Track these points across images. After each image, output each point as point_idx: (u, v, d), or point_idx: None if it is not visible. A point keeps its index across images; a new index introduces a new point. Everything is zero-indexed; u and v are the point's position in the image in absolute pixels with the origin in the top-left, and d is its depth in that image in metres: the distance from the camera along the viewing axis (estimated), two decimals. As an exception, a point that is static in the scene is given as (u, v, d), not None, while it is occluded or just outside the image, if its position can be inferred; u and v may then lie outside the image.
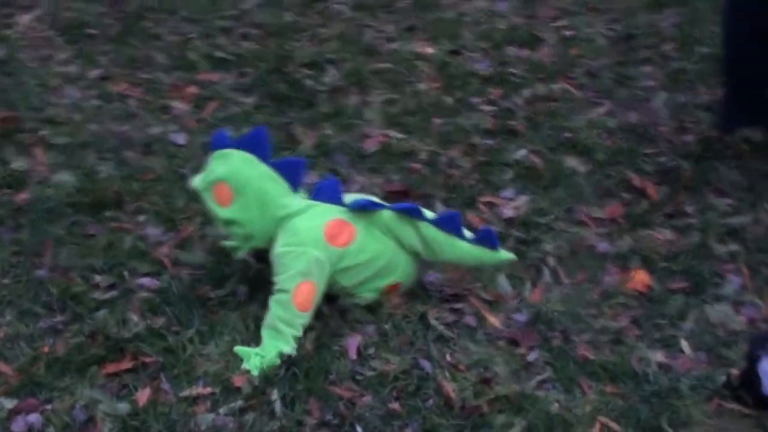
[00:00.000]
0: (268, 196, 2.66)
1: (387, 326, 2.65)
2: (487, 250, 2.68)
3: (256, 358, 2.54)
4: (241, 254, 2.75)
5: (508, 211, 3.16)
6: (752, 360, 2.46)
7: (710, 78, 3.95)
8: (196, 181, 2.75)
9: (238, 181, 2.65)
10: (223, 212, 2.70)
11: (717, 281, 2.90)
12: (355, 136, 3.54)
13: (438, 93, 3.86)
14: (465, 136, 3.57)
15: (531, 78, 4.03)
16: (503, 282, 2.86)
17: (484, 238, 2.67)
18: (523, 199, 3.24)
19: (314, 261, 2.61)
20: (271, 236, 2.67)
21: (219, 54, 4.19)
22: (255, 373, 2.51)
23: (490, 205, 3.20)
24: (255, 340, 2.59)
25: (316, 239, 2.63)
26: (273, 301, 2.61)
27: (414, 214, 2.64)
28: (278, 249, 2.65)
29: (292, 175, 2.70)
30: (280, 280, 2.61)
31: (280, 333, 2.57)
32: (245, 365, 2.54)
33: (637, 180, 3.35)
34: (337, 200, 2.68)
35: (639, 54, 4.25)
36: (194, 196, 3.16)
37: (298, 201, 2.69)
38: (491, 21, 4.54)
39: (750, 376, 2.45)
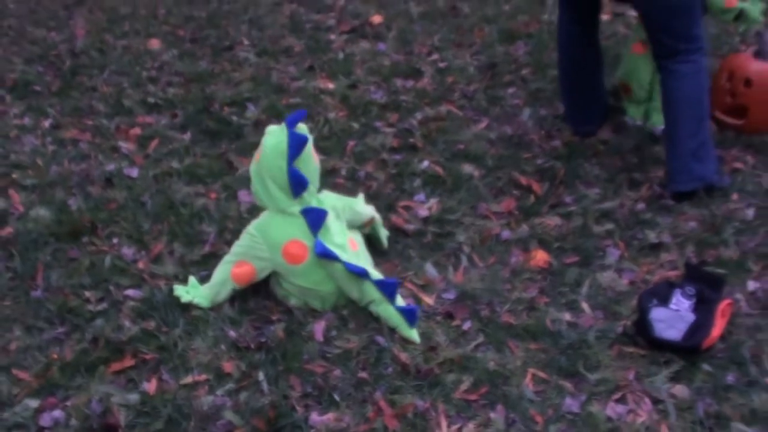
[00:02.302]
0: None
1: (345, 312, 2.71)
2: (405, 323, 2.62)
3: (182, 290, 2.76)
4: None
5: (423, 212, 3.22)
6: (643, 311, 2.60)
7: (560, 94, 4.06)
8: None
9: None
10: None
11: (600, 254, 3.01)
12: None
13: (346, 120, 3.90)
14: (375, 154, 3.62)
15: (419, 103, 4.09)
16: (430, 269, 2.94)
17: (408, 313, 2.62)
18: (433, 202, 3.30)
19: (261, 254, 2.70)
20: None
21: (151, 99, 4.18)
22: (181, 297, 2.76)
23: (408, 208, 3.26)
24: (234, 329, 2.65)
25: (274, 245, 2.69)
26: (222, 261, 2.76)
27: (362, 276, 2.64)
28: (251, 224, 2.75)
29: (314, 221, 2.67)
30: (234, 246, 2.76)
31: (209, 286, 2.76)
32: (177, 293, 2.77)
33: (522, 179, 3.43)
34: (314, 229, 2.66)
35: (503, 78, 4.34)
36: (157, 219, 3.21)
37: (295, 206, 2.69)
38: (377, 59, 4.58)
39: (642, 324, 2.59)
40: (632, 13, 4.70)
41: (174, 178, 3.50)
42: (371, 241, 2.99)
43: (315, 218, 2.65)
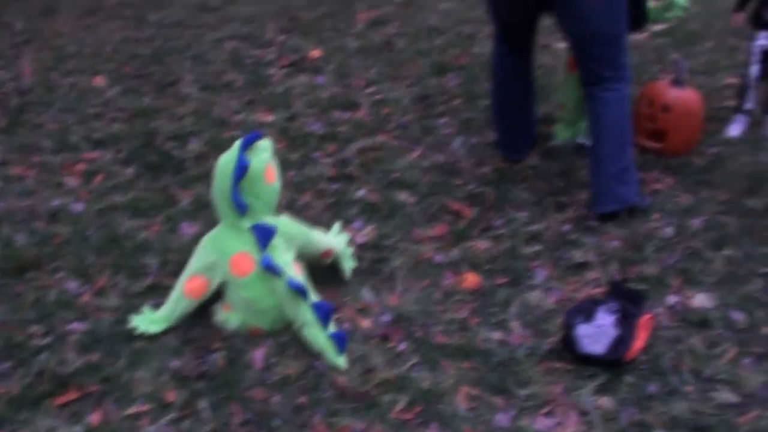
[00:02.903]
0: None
1: (284, 339, 2.70)
2: (333, 349, 2.61)
3: (138, 320, 2.76)
4: None
5: (360, 239, 3.23)
6: (569, 327, 2.63)
7: (492, 122, 4.10)
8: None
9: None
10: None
11: (529, 274, 3.03)
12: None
13: (284, 151, 3.89)
14: (314, 184, 3.62)
15: (356, 134, 4.10)
16: (367, 293, 2.94)
17: (338, 339, 2.61)
18: (370, 228, 3.30)
19: (212, 265, 2.70)
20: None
21: (96, 135, 4.13)
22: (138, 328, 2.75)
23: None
24: (176, 359, 2.63)
25: (223, 255, 2.69)
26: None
27: (301, 294, 2.64)
28: (205, 236, 2.77)
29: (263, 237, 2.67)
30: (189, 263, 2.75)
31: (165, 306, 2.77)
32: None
33: (454, 205, 3.45)
34: (261, 244, 2.66)
35: (436, 109, 4.37)
36: (101, 252, 3.18)
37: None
38: (315, 92, 4.59)
39: (569, 340, 2.62)
40: (559, 45, 4.78)
41: (117, 212, 3.47)
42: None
43: (263, 235, 2.66)
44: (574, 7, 3.21)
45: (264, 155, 2.63)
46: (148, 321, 2.77)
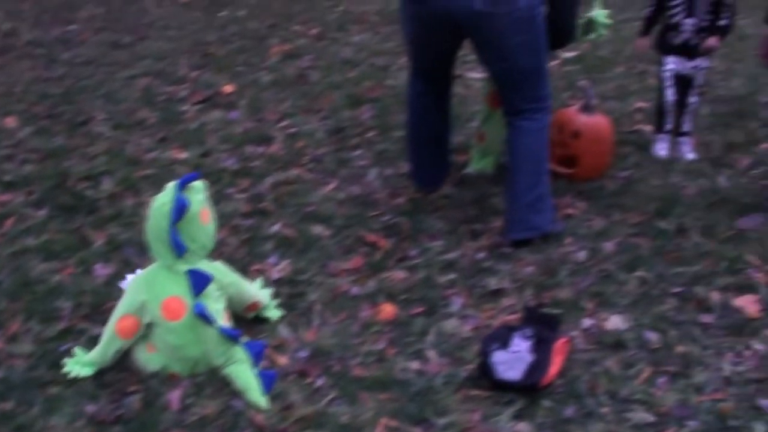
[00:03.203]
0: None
1: (201, 379, 2.66)
2: (258, 388, 2.59)
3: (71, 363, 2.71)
4: None
5: (275, 274, 3.21)
6: (485, 355, 2.65)
7: (406, 154, 4.13)
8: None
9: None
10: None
11: (444, 303, 3.06)
12: (138, 232, 3.50)
13: (199, 189, 3.87)
14: (228, 220, 3.59)
15: (270, 168, 4.09)
16: (283, 329, 2.93)
17: (266, 378, 2.62)
18: (285, 263, 3.29)
19: (144, 305, 2.65)
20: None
21: (7, 178, 4.06)
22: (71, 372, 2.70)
23: (260, 272, 3.23)
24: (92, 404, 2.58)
25: (156, 297, 2.65)
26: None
27: (235, 339, 2.64)
28: (138, 274, 2.74)
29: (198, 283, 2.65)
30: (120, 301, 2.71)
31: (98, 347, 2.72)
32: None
33: (369, 236, 3.47)
34: (195, 291, 2.63)
35: (350, 141, 4.40)
36: (13, 297, 3.12)
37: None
38: (228, 127, 4.58)
39: (485, 367, 2.64)
40: (472, 75, 4.86)
41: (30, 256, 3.40)
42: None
43: (198, 281, 2.63)
44: (495, 43, 3.26)
45: (199, 196, 2.63)
46: (80, 364, 2.71)
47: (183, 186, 2.57)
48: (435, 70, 3.58)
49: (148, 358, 2.72)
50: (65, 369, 2.71)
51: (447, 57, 3.54)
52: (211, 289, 2.68)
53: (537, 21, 3.25)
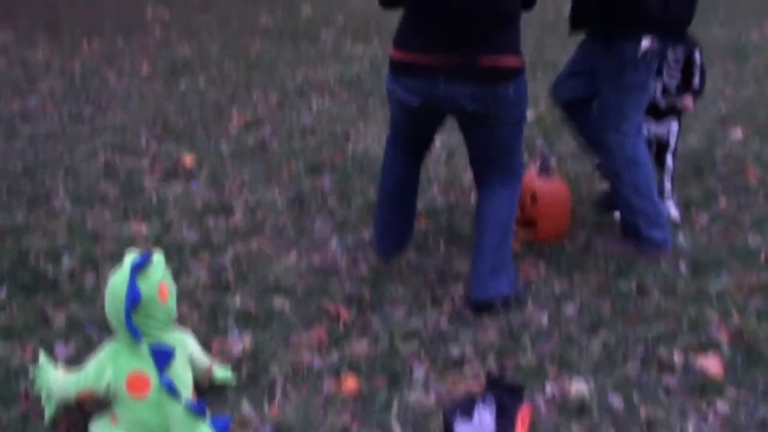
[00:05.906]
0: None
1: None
2: None
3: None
4: None
5: (237, 349, 3.17)
6: (448, 426, 2.63)
7: (368, 221, 4.16)
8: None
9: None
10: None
11: (408, 373, 3.03)
12: (99, 308, 3.45)
13: (159, 263, 3.83)
14: (189, 295, 3.55)
15: (231, 239, 4.08)
16: (245, 406, 2.87)
17: (220, 429, 2.64)
18: (247, 338, 3.25)
19: (106, 380, 2.63)
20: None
21: (-35, 257, 4.02)
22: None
23: (221, 348, 3.19)
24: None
25: (119, 373, 2.61)
26: None
27: (201, 415, 2.60)
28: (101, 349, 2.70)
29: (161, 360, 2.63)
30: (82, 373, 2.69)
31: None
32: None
33: (332, 307, 3.45)
34: (159, 367, 2.61)
35: (311, 210, 4.39)
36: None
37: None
38: (189, 200, 4.56)
39: (449, 440, 2.63)
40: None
41: (-12, 337, 3.35)
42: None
43: (161, 357, 2.61)
44: (484, 127, 3.32)
45: (155, 277, 2.61)
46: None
47: (137, 270, 2.56)
48: (417, 141, 3.60)
49: (112, 430, 2.68)
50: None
51: (432, 133, 3.60)
52: (179, 356, 2.66)
53: (524, 98, 3.33)
